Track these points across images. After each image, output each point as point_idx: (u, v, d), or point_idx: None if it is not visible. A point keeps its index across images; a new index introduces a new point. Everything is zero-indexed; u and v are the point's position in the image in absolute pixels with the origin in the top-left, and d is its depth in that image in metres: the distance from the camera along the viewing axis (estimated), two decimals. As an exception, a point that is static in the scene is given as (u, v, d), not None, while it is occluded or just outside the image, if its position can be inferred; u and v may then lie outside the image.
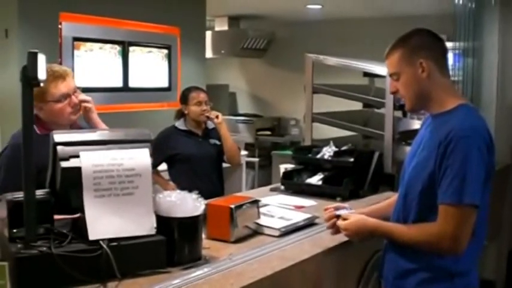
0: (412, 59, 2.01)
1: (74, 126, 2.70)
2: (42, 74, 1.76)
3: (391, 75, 2.09)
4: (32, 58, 1.74)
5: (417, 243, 1.99)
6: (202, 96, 3.96)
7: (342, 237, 2.38)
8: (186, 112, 3.96)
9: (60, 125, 2.60)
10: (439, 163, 1.91)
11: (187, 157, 3.87)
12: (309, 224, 2.66)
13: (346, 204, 2.43)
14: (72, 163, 1.86)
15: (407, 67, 2.02)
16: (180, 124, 3.98)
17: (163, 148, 3.83)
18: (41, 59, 1.76)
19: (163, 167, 4.02)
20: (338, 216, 2.25)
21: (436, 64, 2.02)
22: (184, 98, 3.98)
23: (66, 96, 2.59)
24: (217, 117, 3.91)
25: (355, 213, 2.30)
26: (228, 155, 3.99)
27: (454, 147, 1.87)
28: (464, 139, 1.87)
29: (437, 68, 2.02)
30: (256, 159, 7.49)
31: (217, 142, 3.98)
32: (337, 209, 2.31)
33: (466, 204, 1.86)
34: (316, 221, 2.69)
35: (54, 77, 2.58)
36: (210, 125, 4.03)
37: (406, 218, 2.06)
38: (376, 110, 4.44)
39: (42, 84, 1.81)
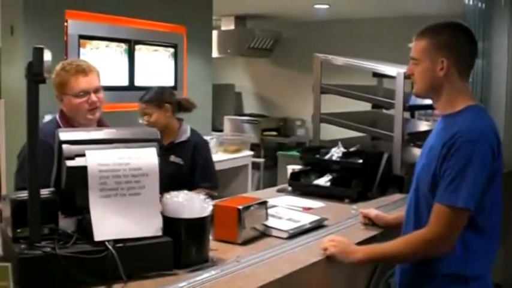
0: (435, 53, 1.99)
1: (100, 125, 2.68)
2: (47, 71, 1.72)
3: (412, 58, 2.08)
4: (38, 54, 1.70)
5: (414, 254, 1.98)
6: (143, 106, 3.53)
7: (352, 239, 2.35)
8: None
9: (81, 123, 2.58)
10: (440, 163, 1.90)
11: None
12: (318, 226, 2.61)
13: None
14: (77, 162, 1.83)
15: (428, 59, 2.00)
16: None
17: None
18: (47, 55, 1.72)
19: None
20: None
21: (456, 66, 1.99)
22: None
23: (86, 92, 2.55)
24: None
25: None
26: None
27: (457, 149, 1.86)
28: (468, 143, 1.86)
29: (457, 71, 1.99)
30: (261, 160, 7.45)
31: (180, 161, 3.40)
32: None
33: (459, 207, 1.86)
34: (325, 223, 2.65)
35: (77, 70, 2.57)
36: (182, 137, 3.47)
37: (419, 220, 2.03)
38: (384, 111, 4.39)
39: (52, 76, 1.78)
